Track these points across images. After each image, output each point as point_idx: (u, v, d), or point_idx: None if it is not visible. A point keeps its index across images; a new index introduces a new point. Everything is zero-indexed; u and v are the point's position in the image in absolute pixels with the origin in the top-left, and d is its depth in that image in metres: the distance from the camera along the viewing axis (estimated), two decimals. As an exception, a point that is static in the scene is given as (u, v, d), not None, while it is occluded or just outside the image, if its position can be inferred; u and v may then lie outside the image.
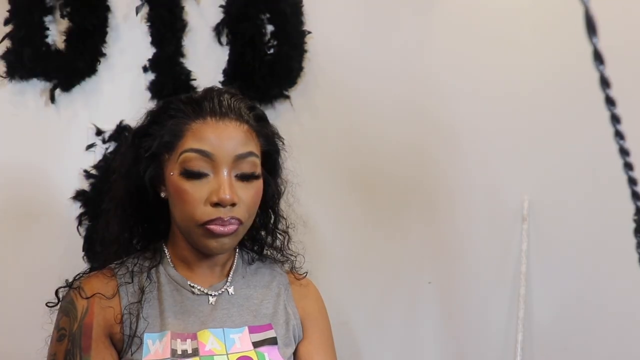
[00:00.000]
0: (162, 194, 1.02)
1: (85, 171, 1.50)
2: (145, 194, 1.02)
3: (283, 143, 1.08)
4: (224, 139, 0.97)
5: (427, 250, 1.53)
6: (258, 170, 1.00)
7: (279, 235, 1.13)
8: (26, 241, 1.49)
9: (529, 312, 1.47)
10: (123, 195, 1.04)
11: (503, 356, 1.50)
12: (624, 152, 0.61)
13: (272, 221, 1.12)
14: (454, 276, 1.52)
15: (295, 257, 1.15)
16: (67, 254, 1.47)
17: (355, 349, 1.56)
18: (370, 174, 1.54)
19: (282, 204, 1.12)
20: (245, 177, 0.98)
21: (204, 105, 0.99)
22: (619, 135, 0.63)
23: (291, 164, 1.12)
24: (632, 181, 0.63)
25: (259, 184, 1.01)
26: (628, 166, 0.63)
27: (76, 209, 1.49)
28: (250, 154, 0.99)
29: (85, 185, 1.51)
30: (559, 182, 1.47)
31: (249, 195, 0.98)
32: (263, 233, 1.12)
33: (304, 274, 1.15)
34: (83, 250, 1.46)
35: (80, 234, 1.46)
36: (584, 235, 1.46)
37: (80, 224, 1.47)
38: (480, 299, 1.51)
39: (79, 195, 1.50)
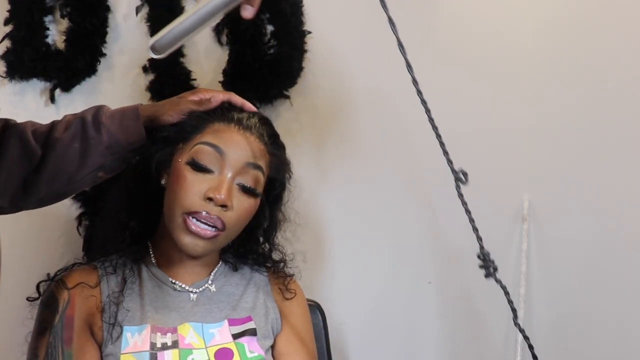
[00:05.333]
0: (163, 181, 1.03)
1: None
2: (148, 178, 1.03)
3: (291, 177, 1.11)
4: (239, 145, 1.00)
5: (427, 250, 1.53)
6: (259, 188, 1.02)
7: (274, 262, 1.15)
8: (26, 241, 1.49)
9: (529, 312, 1.47)
10: (130, 175, 1.06)
11: (503, 356, 1.50)
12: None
13: (266, 250, 1.14)
14: (454, 276, 1.52)
15: (291, 277, 1.16)
16: (67, 254, 1.47)
17: (355, 349, 1.56)
18: (370, 174, 1.54)
19: (280, 238, 1.14)
20: (244, 190, 1.00)
21: (232, 113, 1.03)
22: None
23: (298, 205, 1.14)
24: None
25: (255, 203, 1.02)
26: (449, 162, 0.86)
27: (76, 209, 1.49)
28: (259, 167, 1.01)
29: (85, 185, 1.51)
30: (559, 182, 1.47)
31: (242, 207, 0.99)
32: (255, 257, 1.14)
33: (293, 292, 1.16)
34: (83, 250, 1.46)
35: (80, 234, 1.46)
36: (584, 235, 1.46)
37: (80, 224, 1.47)
38: (480, 299, 1.51)
39: (79, 195, 1.50)
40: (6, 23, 1.48)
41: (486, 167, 1.49)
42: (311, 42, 1.51)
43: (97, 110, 1.01)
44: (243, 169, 0.99)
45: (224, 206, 0.96)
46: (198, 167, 0.98)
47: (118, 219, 1.06)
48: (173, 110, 1.01)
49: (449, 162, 0.84)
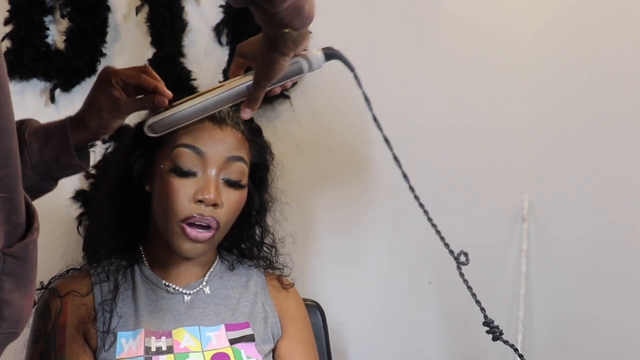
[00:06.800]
0: (147, 187, 1.03)
1: (86, 171, 1.50)
2: (132, 186, 1.03)
3: (273, 159, 1.11)
4: (217, 141, 0.99)
5: (427, 250, 1.53)
6: (245, 179, 1.03)
7: (265, 249, 1.15)
8: (26, 241, 1.49)
9: (529, 312, 1.47)
10: (113, 184, 1.05)
11: (503, 356, 1.50)
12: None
13: (258, 235, 1.13)
14: (454, 276, 1.52)
15: (283, 269, 1.16)
16: (67, 254, 1.47)
17: (355, 349, 1.56)
18: (370, 174, 1.54)
19: (269, 221, 1.14)
20: (231, 184, 1.00)
21: None
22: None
23: (282, 184, 1.14)
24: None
25: (243, 193, 1.03)
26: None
27: (76, 209, 1.49)
28: (241, 159, 1.01)
29: (85, 185, 1.51)
30: (559, 182, 1.47)
31: (232, 201, 1.00)
32: (249, 245, 1.14)
33: (291, 284, 1.16)
34: (83, 250, 1.46)
35: (80, 234, 1.46)
36: (584, 235, 1.46)
37: (80, 224, 1.47)
38: (480, 299, 1.50)
39: (79, 195, 1.50)
40: (6, 23, 1.48)
41: (486, 167, 1.49)
42: (311, 42, 1.50)
43: (20, 125, 0.89)
44: (225, 164, 0.99)
45: (214, 205, 0.97)
46: (181, 172, 0.98)
47: (107, 227, 1.06)
48: (119, 118, 0.91)
49: (446, 245, 0.95)
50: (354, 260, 1.56)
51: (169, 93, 0.93)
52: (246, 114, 0.88)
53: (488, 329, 0.93)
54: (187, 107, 0.90)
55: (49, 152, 0.88)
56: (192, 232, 0.96)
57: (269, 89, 0.88)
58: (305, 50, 0.90)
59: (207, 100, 0.90)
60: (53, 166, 0.89)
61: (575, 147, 1.46)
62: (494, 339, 0.92)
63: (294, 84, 0.98)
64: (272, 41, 0.79)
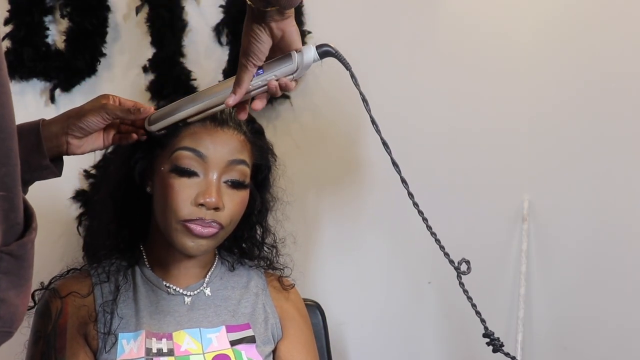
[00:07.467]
0: (148, 189, 1.03)
1: (85, 171, 1.50)
2: (133, 187, 1.03)
3: (275, 160, 1.11)
4: (219, 144, 0.98)
5: (428, 250, 1.53)
6: (247, 180, 1.02)
7: (266, 249, 1.14)
8: (26, 241, 1.49)
9: (529, 312, 1.47)
10: (113, 185, 1.05)
11: (503, 356, 1.50)
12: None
13: (259, 235, 1.13)
14: (454, 276, 1.52)
15: (283, 269, 1.16)
16: (67, 254, 1.47)
17: (355, 349, 1.56)
18: (370, 173, 1.54)
19: (271, 220, 1.14)
20: (233, 185, 0.99)
21: None
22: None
23: (284, 183, 1.13)
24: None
25: (245, 194, 1.02)
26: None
27: (76, 209, 1.49)
28: (242, 162, 1.00)
29: (85, 185, 1.51)
30: (559, 182, 1.47)
31: (234, 203, 0.99)
32: (250, 245, 1.13)
33: (291, 285, 1.16)
34: (83, 250, 1.46)
35: (80, 234, 1.46)
36: (584, 235, 1.46)
37: (80, 224, 1.47)
38: (480, 298, 1.50)
39: (79, 195, 1.50)
40: (6, 23, 1.48)
41: (486, 167, 1.49)
42: (311, 42, 1.50)
43: None
44: (227, 167, 0.98)
45: (216, 208, 0.96)
46: (182, 171, 0.97)
47: (107, 228, 1.05)
48: (98, 113, 0.90)
49: (446, 255, 0.91)
50: (354, 260, 1.56)
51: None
52: (230, 99, 0.85)
53: (488, 340, 0.90)
54: (183, 97, 0.91)
55: (19, 149, 0.87)
56: (196, 227, 0.96)
57: (257, 85, 0.87)
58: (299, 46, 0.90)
59: (202, 91, 0.91)
60: (23, 166, 0.88)
61: (575, 147, 1.46)
62: (494, 350, 0.90)
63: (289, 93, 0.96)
64: (252, 13, 0.82)
